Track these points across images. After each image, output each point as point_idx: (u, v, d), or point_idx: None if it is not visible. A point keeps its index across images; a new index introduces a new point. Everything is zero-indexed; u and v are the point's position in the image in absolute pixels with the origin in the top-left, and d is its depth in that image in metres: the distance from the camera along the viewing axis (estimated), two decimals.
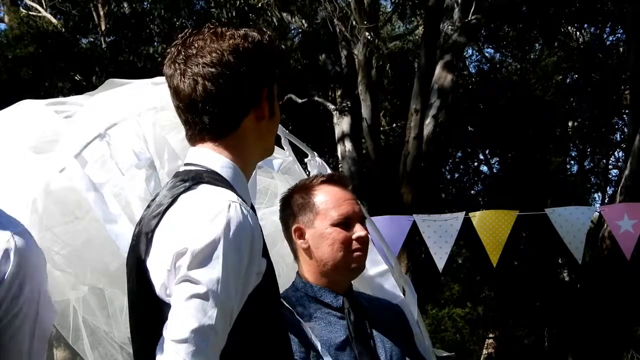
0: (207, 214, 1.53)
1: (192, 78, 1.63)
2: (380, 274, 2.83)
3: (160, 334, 1.53)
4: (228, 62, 1.63)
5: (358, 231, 2.27)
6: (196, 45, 1.65)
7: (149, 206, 1.72)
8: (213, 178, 1.63)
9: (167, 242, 1.56)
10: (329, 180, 2.36)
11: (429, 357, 2.67)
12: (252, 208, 1.75)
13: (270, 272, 1.65)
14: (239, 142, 1.69)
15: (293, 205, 2.35)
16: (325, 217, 2.28)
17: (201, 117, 1.65)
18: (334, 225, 2.27)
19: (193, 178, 1.64)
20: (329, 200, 2.29)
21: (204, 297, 1.48)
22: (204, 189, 1.60)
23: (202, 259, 1.50)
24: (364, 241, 2.28)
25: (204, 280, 1.49)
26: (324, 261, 2.28)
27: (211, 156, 1.68)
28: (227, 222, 1.52)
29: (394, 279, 2.85)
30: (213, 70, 1.62)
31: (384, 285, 2.81)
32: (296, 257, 2.38)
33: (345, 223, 2.28)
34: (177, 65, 1.66)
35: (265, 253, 1.63)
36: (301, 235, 2.32)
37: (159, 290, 1.56)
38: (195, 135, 1.70)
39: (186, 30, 1.72)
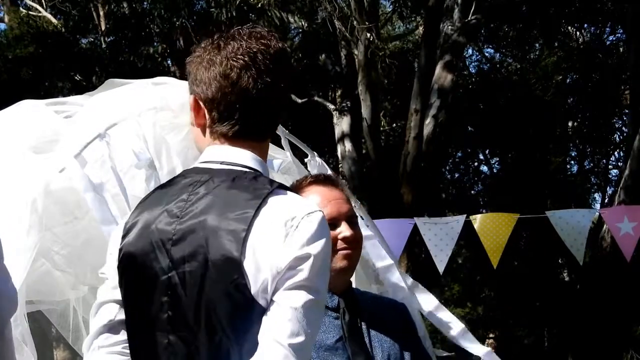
0: (317, 222, 1.56)
1: (266, 76, 1.64)
2: (386, 268, 2.86)
3: (222, 329, 1.51)
4: (290, 66, 1.71)
5: (344, 231, 2.27)
6: (263, 42, 1.66)
7: (186, 200, 1.64)
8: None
9: (274, 243, 1.53)
10: (316, 180, 2.37)
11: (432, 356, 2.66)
12: None
13: None
14: (267, 145, 1.74)
15: None
16: None
17: (264, 114, 1.67)
18: None
19: (270, 182, 1.64)
20: (315, 201, 2.29)
21: (319, 305, 1.54)
22: (291, 194, 1.63)
23: (321, 267, 1.53)
24: (350, 240, 2.27)
25: (321, 290, 1.54)
26: None
27: (252, 158, 1.68)
28: (329, 232, 1.58)
29: (399, 272, 2.87)
30: (281, 69, 1.66)
31: (391, 279, 2.83)
32: None
33: (332, 224, 2.27)
34: (244, 58, 1.64)
35: None
36: None
37: (255, 290, 1.52)
38: (239, 133, 1.68)
39: (238, 28, 1.70)
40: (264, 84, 1.63)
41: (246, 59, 1.63)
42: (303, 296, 1.51)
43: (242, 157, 1.67)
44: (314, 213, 1.57)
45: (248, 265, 1.53)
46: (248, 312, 1.51)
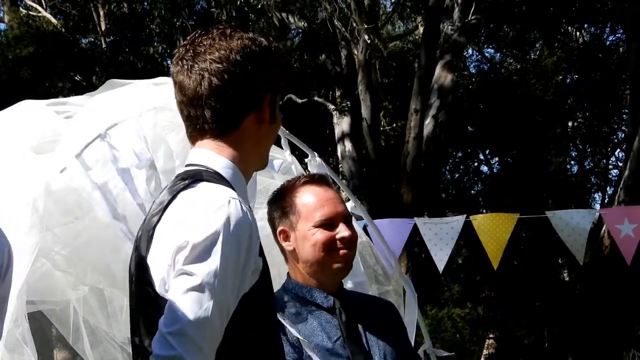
0: (207, 209, 1.55)
1: (198, 73, 1.67)
2: (357, 285, 2.84)
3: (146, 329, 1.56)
4: (235, 60, 1.67)
5: (342, 231, 2.26)
6: (205, 43, 1.69)
7: (151, 207, 1.73)
8: (212, 177, 1.65)
9: (167, 238, 1.58)
10: (311, 180, 2.36)
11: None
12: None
13: (265, 272, 1.66)
14: (239, 143, 1.71)
15: (277, 208, 2.35)
16: (308, 218, 2.27)
17: (203, 111, 1.68)
18: (317, 226, 2.26)
19: (192, 176, 1.66)
20: (310, 202, 2.29)
21: (200, 289, 1.50)
22: (203, 186, 1.62)
23: (201, 252, 1.52)
24: (348, 241, 2.27)
25: (201, 273, 1.50)
26: (309, 262, 2.28)
27: (212, 156, 1.69)
28: (227, 217, 1.54)
29: (370, 290, 2.86)
30: (219, 66, 1.66)
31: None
32: (286, 259, 2.39)
33: (329, 224, 2.27)
34: (184, 61, 1.70)
35: (261, 252, 1.64)
36: (286, 238, 2.32)
37: (158, 286, 1.57)
38: (196, 132, 1.72)
39: (195, 32, 1.76)
40: (199, 80, 1.67)
41: (183, 62, 1.70)
42: (183, 282, 1.51)
43: (197, 157, 1.72)
44: (211, 204, 1.56)
45: (152, 263, 1.59)
46: (159, 309, 1.54)
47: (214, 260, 1.51)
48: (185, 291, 1.50)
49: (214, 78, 1.66)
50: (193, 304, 1.49)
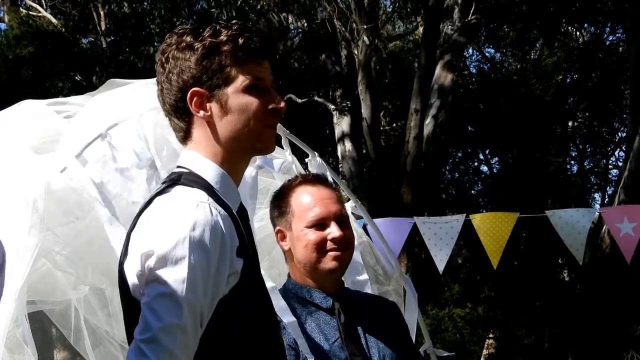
0: (174, 214, 1.55)
1: (160, 73, 1.73)
2: (359, 282, 2.84)
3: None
4: (161, 65, 1.69)
5: (333, 231, 2.25)
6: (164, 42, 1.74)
7: None
8: (189, 179, 1.63)
9: (138, 243, 1.57)
10: (305, 180, 2.36)
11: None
12: (242, 208, 1.74)
13: (249, 272, 1.64)
14: (203, 142, 1.68)
15: (275, 208, 2.36)
16: (300, 218, 2.27)
17: (171, 113, 1.72)
18: (309, 226, 2.26)
19: (172, 179, 1.66)
20: (304, 202, 2.29)
21: (169, 296, 1.49)
22: (176, 190, 1.61)
23: (168, 259, 1.51)
24: (339, 241, 2.25)
25: (169, 280, 1.50)
26: (303, 263, 2.28)
27: (193, 157, 1.69)
28: (193, 222, 1.52)
29: (370, 289, 2.86)
30: (160, 70, 1.70)
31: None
32: (285, 259, 2.38)
33: (321, 224, 2.26)
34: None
35: (241, 252, 1.61)
36: (283, 238, 2.32)
37: (133, 291, 1.57)
38: (177, 134, 1.76)
39: None
40: (162, 80, 1.69)
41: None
42: (153, 290, 1.51)
43: (182, 159, 1.72)
44: (177, 209, 1.55)
45: (127, 268, 1.59)
46: (136, 313, 1.54)
47: (182, 267, 1.50)
48: (154, 298, 1.49)
49: (158, 86, 1.71)
50: (162, 310, 1.48)
